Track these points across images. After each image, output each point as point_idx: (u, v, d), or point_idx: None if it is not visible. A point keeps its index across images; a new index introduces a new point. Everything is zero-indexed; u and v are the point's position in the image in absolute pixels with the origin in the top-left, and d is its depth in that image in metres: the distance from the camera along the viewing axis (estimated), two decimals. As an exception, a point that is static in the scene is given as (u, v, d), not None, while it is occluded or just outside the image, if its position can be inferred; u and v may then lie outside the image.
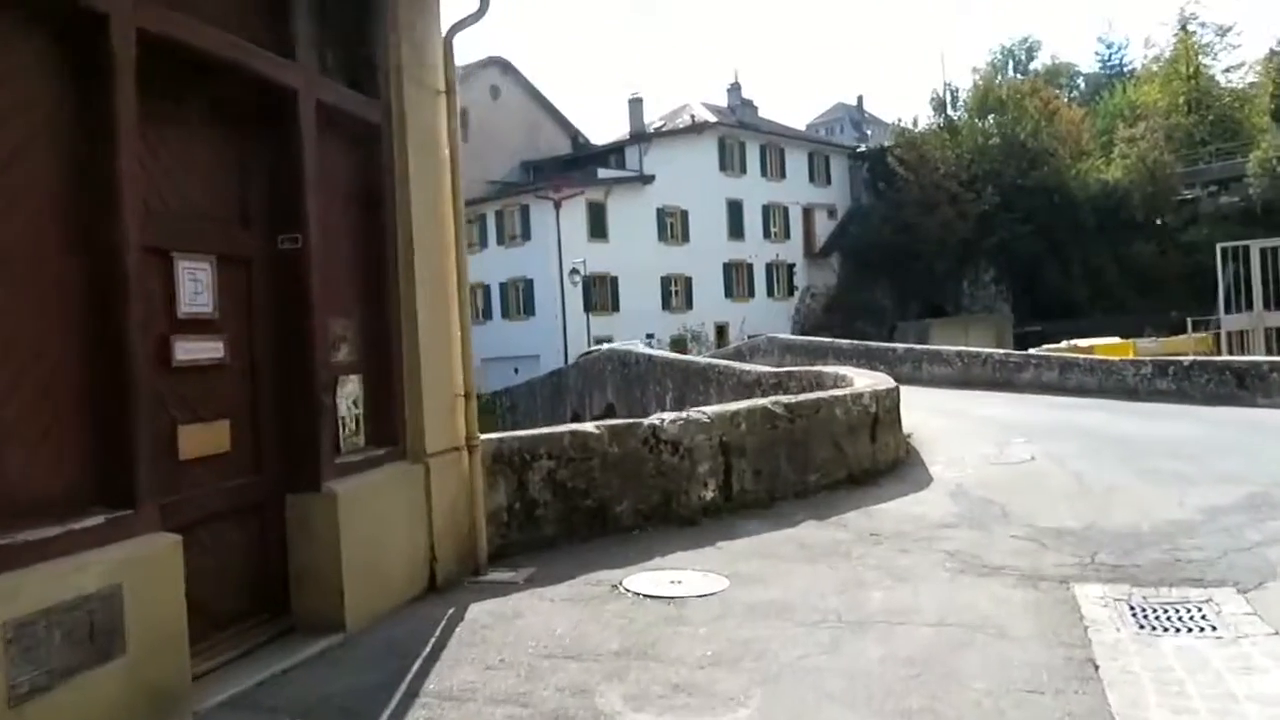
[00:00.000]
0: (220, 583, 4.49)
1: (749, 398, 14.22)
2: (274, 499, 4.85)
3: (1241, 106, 53.21)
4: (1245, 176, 45.64)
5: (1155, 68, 56.98)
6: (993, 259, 47.51)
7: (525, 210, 43.21)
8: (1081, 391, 14.18)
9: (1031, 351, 18.38)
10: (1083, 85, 68.96)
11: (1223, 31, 55.42)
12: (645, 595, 5.57)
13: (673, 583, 5.83)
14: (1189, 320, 18.95)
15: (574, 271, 37.75)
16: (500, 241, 44.42)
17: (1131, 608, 5.12)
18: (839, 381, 10.94)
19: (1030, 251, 45.51)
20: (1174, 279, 43.01)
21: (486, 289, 44.83)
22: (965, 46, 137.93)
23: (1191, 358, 13.80)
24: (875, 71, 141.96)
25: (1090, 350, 19.97)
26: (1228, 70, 55.24)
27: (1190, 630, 4.73)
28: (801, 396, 8.80)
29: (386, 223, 5.67)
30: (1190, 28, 54.69)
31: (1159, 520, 6.85)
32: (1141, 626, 4.82)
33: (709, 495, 7.58)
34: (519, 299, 43.96)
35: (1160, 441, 9.94)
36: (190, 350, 4.32)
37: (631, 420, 7.44)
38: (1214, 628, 4.74)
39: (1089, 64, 75.63)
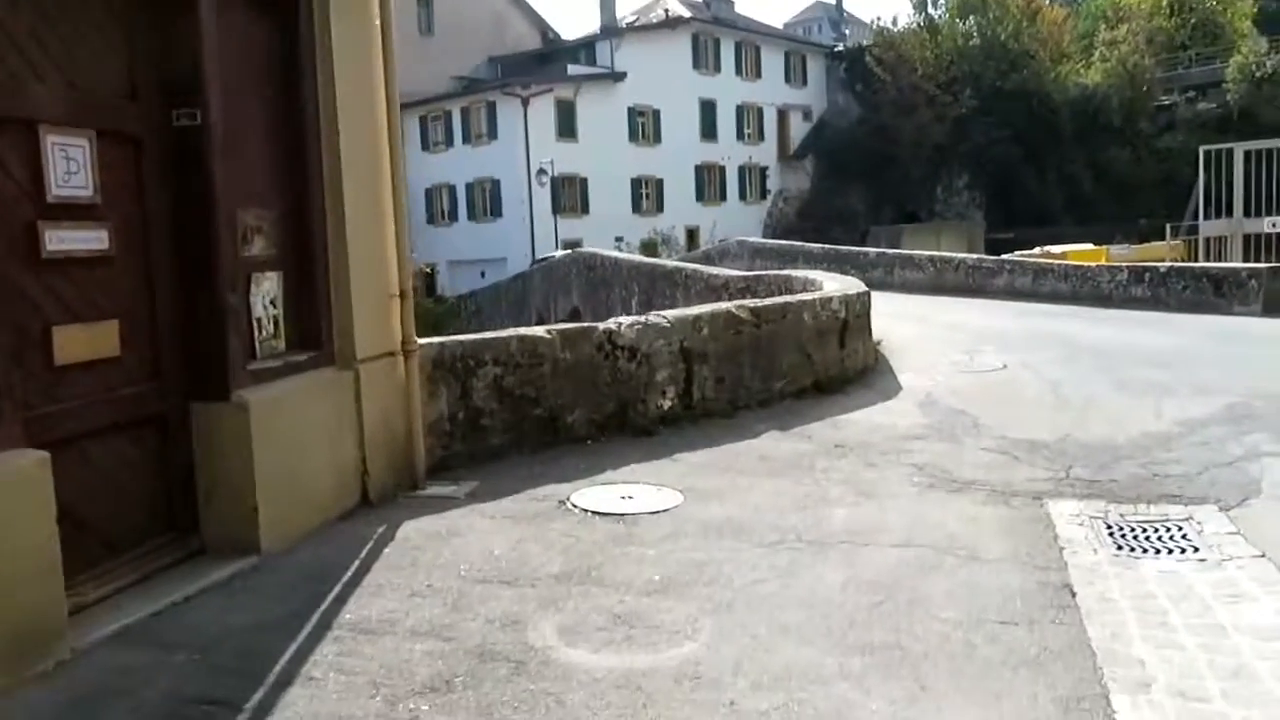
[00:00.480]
0: (114, 502, 4.04)
1: (716, 302, 13.81)
2: (178, 409, 4.36)
3: (1224, 10, 52.07)
4: (1224, 82, 44.89)
5: (1141, -32, 55.33)
6: (967, 164, 46.75)
7: (492, 108, 41.74)
8: (1055, 298, 13.85)
9: (1005, 257, 17.98)
10: (1066, -15, 67.10)
11: (1211, -70, 53.68)
12: (594, 512, 5.19)
13: (624, 498, 5.45)
14: (1168, 226, 18.54)
15: (541, 172, 36.66)
16: (466, 140, 43.02)
17: (1108, 526, 4.82)
18: (808, 286, 10.50)
19: (1006, 157, 44.76)
20: (1148, 186, 42.64)
21: (452, 189, 43.72)
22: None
23: (1168, 264, 13.44)
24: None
25: (1063, 257, 19.62)
26: (1213, -29, 53.73)
27: (1171, 552, 4.43)
28: (767, 300, 8.36)
29: (307, 99, 5.05)
30: (1178, -75, 52.92)
31: (1135, 433, 6.55)
32: (1120, 547, 4.52)
33: (667, 404, 7.18)
34: (485, 200, 42.80)
35: (1136, 350, 9.64)
36: (64, 240, 3.76)
37: (585, 324, 6.97)
38: (1196, 549, 4.45)
39: (1073, -37, 73.48)
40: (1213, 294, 11.80)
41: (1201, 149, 14.99)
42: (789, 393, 8.07)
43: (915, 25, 50.49)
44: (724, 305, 7.89)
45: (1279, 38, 49.39)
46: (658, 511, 5.19)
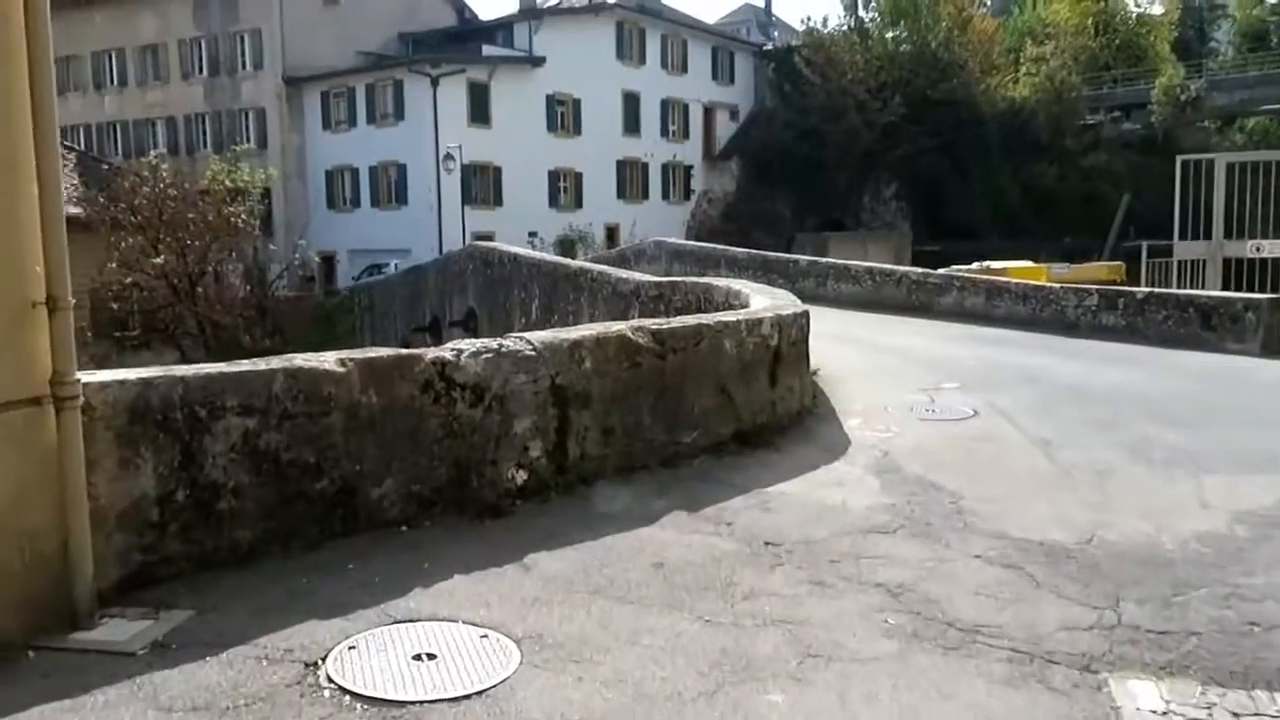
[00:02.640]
0: None
1: (625, 312, 11.66)
2: None
3: (1147, 33, 52.26)
4: (1149, 104, 44.73)
5: (1066, -16, 55.20)
6: (895, 173, 45.57)
7: (399, 87, 38.82)
8: (1011, 322, 12.07)
9: (952, 271, 16.25)
10: (994, -1, 66.92)
11: (1132, -48, 53.93)
12: (356, 695, 3.00)
13: (419, 659, 3.27)
14: (1144, 245, 17.13)
15: (449, 157, 33.91)
16: (371, 120, 39.95)
17: (1223, 744, 2.84)
18: (731, 299, 8.43)
19: (934, 168, 43.65)
20: (1072, 204, 42.06)
21: (355, 172, 40.72)
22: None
23: (1145, 290, 11.75)
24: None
25: (1003, 273, 18.07)
26: (1136, -7, 54.03)
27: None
28: (676, 322, 6.23)
29: None
30: (1101, -54, 52.88)
31: (1185, 532, 4.62)
32: (1271, 811, 2.52)
33: (527, 470, 5.00)
34: (390, 186, 39.82)
35: (1129, 395, 7.79)
36: None
37: (403, 353, 4.72)
38: None
39: (1001, -23, 73.45)
40: (1200, 327, 10.10)
41: (1179, 159, 13.37)
42: (703, 447, 5.97)
43: (845, 28, 49.25)
44: (616, 327, 5.74)
45: (1195, 63, 49.82)
46: (467, 696, 3.02)
